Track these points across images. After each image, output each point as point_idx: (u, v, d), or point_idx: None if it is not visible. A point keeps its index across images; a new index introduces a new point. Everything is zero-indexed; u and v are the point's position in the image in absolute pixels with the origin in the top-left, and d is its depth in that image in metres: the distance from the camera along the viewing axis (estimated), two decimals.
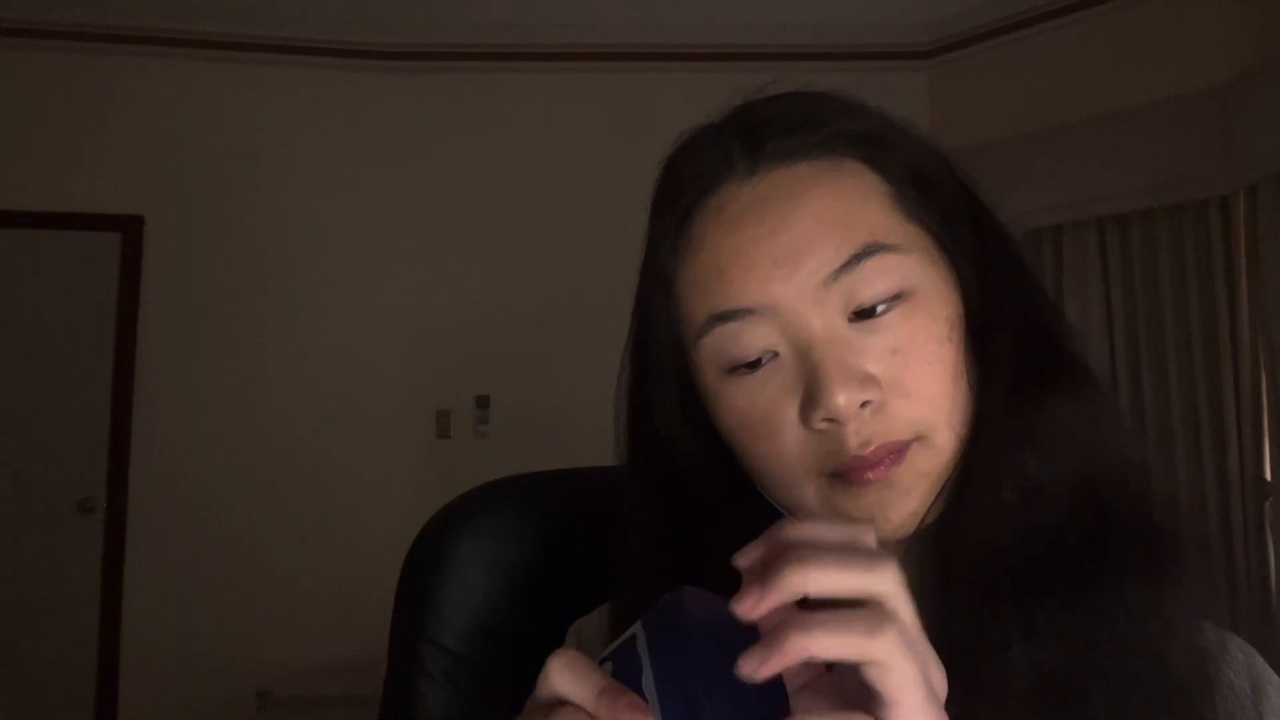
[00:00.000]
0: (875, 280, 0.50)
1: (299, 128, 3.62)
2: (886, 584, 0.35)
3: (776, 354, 0.51)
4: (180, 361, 3.49)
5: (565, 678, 0.36)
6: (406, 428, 3.55)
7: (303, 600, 3.36)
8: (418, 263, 3.60)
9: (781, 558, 0.35)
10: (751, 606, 0.34)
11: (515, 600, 0.71)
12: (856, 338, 0.50)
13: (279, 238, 3.57)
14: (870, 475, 0.49)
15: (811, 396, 0.49)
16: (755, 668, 0.33)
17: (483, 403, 3.55)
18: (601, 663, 0.37)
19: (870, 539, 0.37)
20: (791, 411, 0.51)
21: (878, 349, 0.50)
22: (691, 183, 0.55)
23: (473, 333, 3.56)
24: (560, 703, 0.36)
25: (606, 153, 3.51)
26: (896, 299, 0.50)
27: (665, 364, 0.57)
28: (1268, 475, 2.72)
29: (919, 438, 0.50)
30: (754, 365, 0.51)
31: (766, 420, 0.51)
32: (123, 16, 3.47)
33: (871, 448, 0.49)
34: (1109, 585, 0.47)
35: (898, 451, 0.50)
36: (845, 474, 0.50)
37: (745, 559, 0.37)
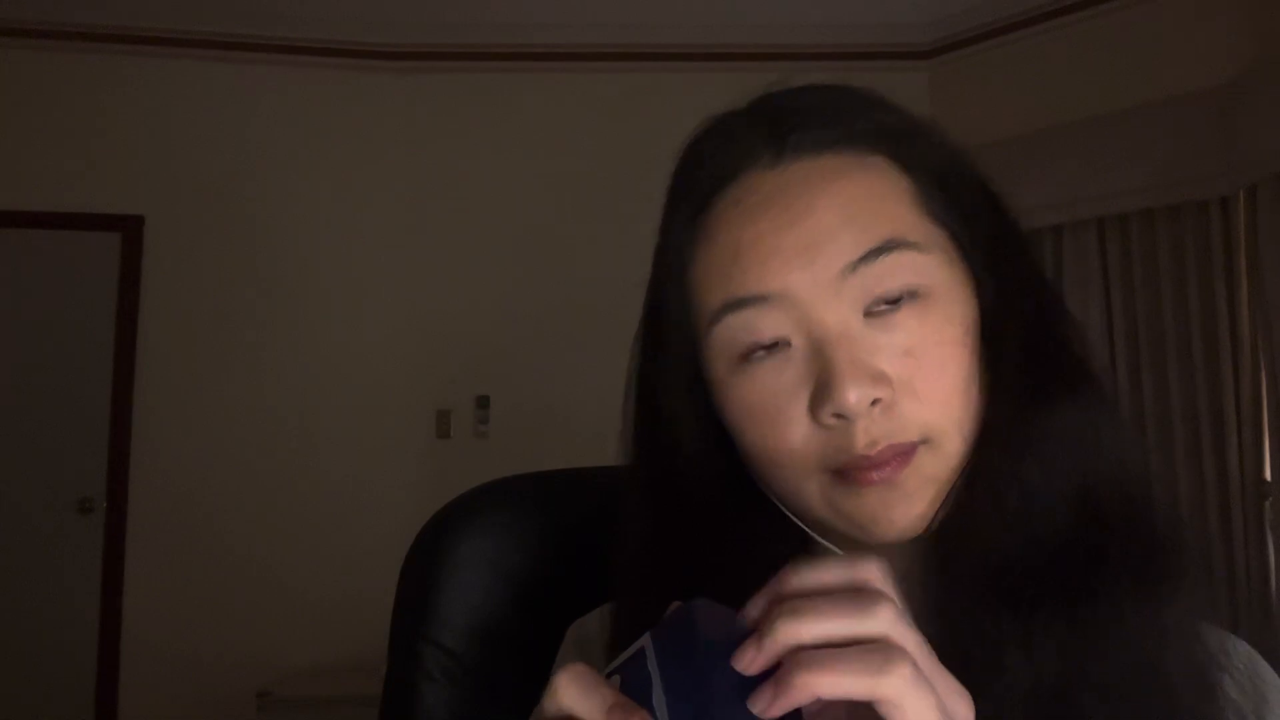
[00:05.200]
0: (892, 276, 0.50)
1: (299, 128, 3.62)
2: (883, 624, 0.34)
3: (789, 344, 0.51)
4: (180, 361, 3.49)
5: (573, 692, 0.35)
6: (406, 428, 3.55)
7: (303, 600, 3.36)
8: (418, 263, 3.60)
9: (775, 608, 0.35)
10: (750, 661, 0.34)
11: (515, 600, 0.71)
12: (870, 335, 0.50)
13: (279, 238, 3.57)
14: (874, 476, 0.49)
15: (822, 390, 0.49)
16: (766, 706, 0.33)
17: (483, 403, 3.55)
18: (609, 675, 0.37)
19: (870, 571, 0.36)
20: (800, 404, 0.50)
21: (891, 348, 0.50)
22: (712, 170, 0.54)
23: (473, 333, 3.56)
24: (568, 718, 0.35)
25: (606, 153, 3.51)
26: (913, 297, 0.50)
27: (674, 353, 0.56)
28: (1268, 475, 2.72)
29: (926, 441, 0.50)
30: (768, 350, 0.51)
31: (774, 411, 0.51)
32: (123, 16, 3.47)
33: (879, 448, 0.49)
34: (1105, 596, 0.47)
35: (904, 453, 0.49)
36: (849, 472, 0.50)
37: (752, 611, 0.36)
